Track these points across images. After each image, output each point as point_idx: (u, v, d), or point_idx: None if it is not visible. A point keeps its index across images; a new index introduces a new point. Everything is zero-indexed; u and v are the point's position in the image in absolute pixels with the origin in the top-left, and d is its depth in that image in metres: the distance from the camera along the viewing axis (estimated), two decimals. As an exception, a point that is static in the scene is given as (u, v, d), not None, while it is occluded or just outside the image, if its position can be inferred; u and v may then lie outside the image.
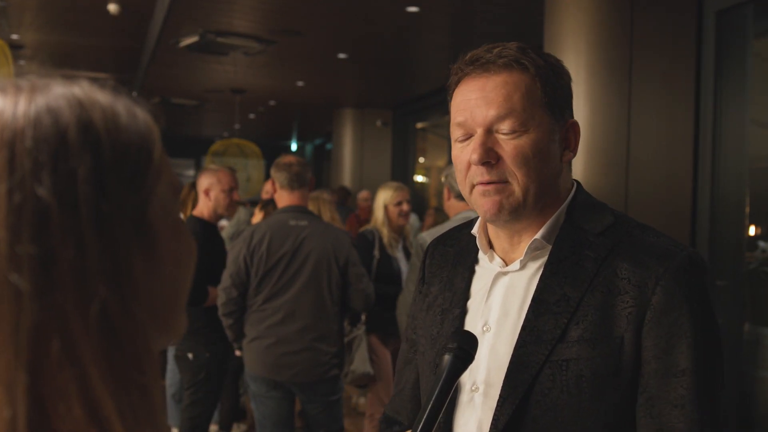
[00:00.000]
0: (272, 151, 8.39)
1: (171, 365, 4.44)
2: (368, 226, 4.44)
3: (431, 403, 1.00)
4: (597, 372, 1.07)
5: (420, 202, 9.72)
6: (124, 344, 0.51)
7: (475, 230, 1.26)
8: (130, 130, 0.54)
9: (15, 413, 0.47)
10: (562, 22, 3.80)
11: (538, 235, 1.16)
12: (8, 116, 0.51)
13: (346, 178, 10.95)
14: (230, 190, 3.69)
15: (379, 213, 4.28)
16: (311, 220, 3.33)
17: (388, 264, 4.24)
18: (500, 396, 1.11)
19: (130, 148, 0.54)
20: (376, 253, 4.21)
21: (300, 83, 9.40)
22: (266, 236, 3.22)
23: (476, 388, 1.17)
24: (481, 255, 1.26)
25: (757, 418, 3.57)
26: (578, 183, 1.25)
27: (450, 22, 6.17)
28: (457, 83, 1.19)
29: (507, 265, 1.21)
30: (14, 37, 7.55)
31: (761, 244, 3.81)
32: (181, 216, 3.21)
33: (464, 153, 1.16)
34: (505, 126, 1.12)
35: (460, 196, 3.36)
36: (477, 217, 1.29)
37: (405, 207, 4.25)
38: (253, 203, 6.55)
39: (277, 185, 3.34)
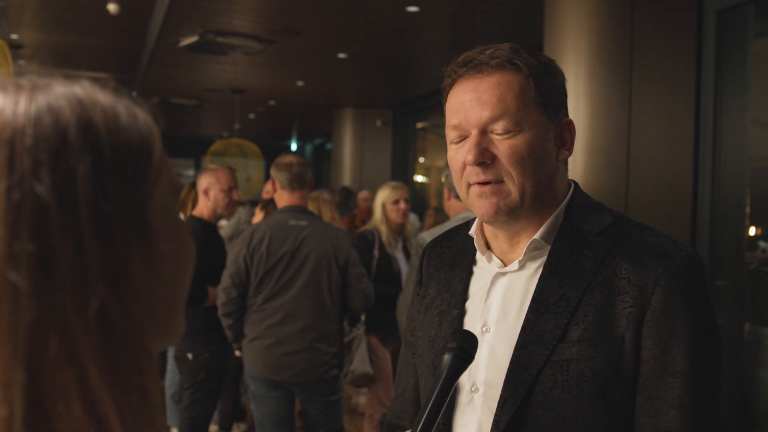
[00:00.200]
0: (272, 151, 8.40)
1: (171, 365, 4.44)
2: (368, 226, 4.44)
3: (431, 403, 1.00)
4: (598, 372, 1.07)
5: (420, 202, 9.72)
6: (123, 344, 0.51)
7: (472, 231, 1.26)
8: (131, 131, 0.55)
9: (12, 412, 0.47)
10: (562, 22, 3.80)
11: (537, 236, 1.16)
12: (9, 114, 0.51)
13: (346, 178, 10.95)
14: (229, 190, 3.68)
15: (377, 212, 4.29)
16: (311, 220, 3.33)
17: (388, 264, 4.24)
18: (501, 396, 1.11)
19: (130, 148, 0.54)
20: (376, 252, 4.22)
21: (300, 83, 9.40)
22: (266, 236, 3.21)
23: (476, 388, 1.17)
24: (479, 256, 1.26)
25: (757, 419, 3.56)
26: (575, 183, 1.25)
27: (450, 21, 6.17)
28: (451, 85, 1.20)
29: (505, 265, 1.21)
30: (14, 36, 7.55)
31: (761, 244, 3.80)
32: (181, 216, 3.21)
33: (459, 154, 1.16)
34: (499, 126, 1.12)
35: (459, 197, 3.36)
36: (474, 218, 1.29)
37: (402, 205, 4.25)
38: (253, 203, 6.55)
39: (278, 185, 3.34)
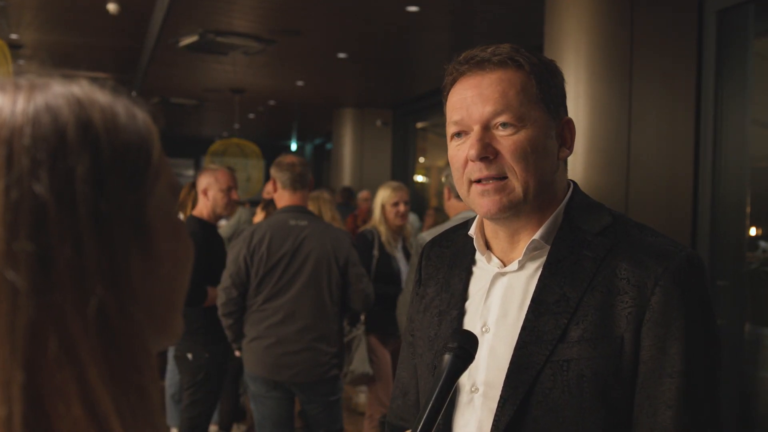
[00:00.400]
0: (272, 151, 8.40)
1: (171, 365, 4.44)
2: (367, 226, 4.44)
3: (431, 403, 1.00)
4: (598, 372, 1.07)
5: (420, 202, 9.72)
6: (122, 344, 0.51)
7: (471, 231, 1.26)
8: (129, 130, 0.54)
9: (11, 412, 0.47)
10: (562, 21, 3.80)
11: (536, 236, 1.16)
12: (7, 114, 0.51)
13: (346, 178, 10.95)
14: (228, 190, 3.68)
15: (376, 212, 4.30)
16: (311, 220, 3.33)
17: (388, 263, 4.24)
18: (501, 397, 1.11)
19: (129, 148, 0.54)
20: (376, 252, 4.22)
21: (300, 83, 9.40)
22: (266, 236, 3.21)
23: (476, 389, 1.17)
24: (478, 256, 1.26)
25: (757, 419, 3.56)
26: (575, 183, 1.25)
27: (450, 21, 6.17)
28: (452, 83, 1.20)
29: (505, 265, 1.21)
30: (14, 36, 7.55)
31: (762, 244, 3.80)
32: (181, 216, 3.19)
33: (461, 150, 1.16)
34: (501, 122, 1.13)
35: (460, 196, 3.36)
36: (473, 218, 1.29)
37: (402, 208, 4.25)
38: (253, 203, 6.54)
39: (279, 185, 3.34)
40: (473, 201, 1.17)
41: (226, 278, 3.24)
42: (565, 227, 1.17)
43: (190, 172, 17.49)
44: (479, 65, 1.15)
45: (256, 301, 3.22)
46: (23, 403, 0.47)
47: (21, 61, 8.40)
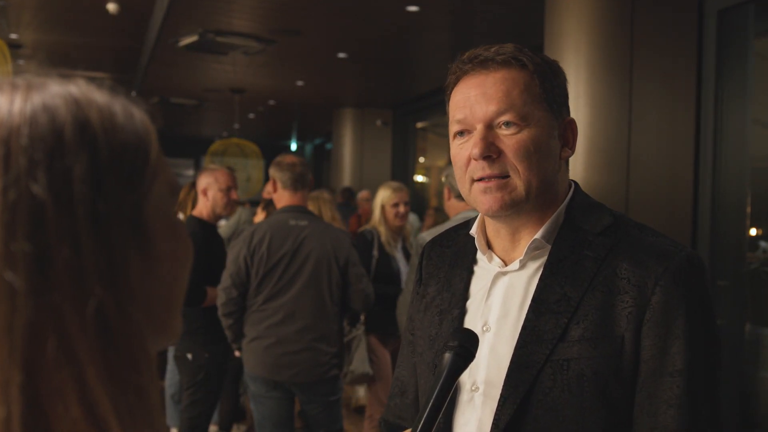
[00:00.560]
0: (272, 150, 8.39)
1: (171, 365, 4.43)
2: (367, 226, 4.44)
3: (431, 402, 1.00)
4: (598, 371, 1.07)
5: (420, 202, 9.72)
6: (120, 344, 0.51)
7: (473, 231, 1.26)
8: (127, 130, 0.54)
9: (10, 412, 0.47)
10: (562, 21, 3.79)
11: (537, 235, 1.17)
12: (4, 114, 0.51)
13: (346, 178, 10.94)
14: (228, 190, 3.68)
15: (376, 212, 4.29)
16: (311, 220, 3.32)
17: (387, 264, 4.24)
18: (501, 395, 1.12)
19: (126, 148, 0.54)
20: (375, 252, 4.21)
21: (300, 83, 9.40)
22: (266, 236, 3.21)
23: (476, 387, 1.17)
24: (479, 255, 1.26)
25: (758, 419, 3.56)
26: (576, 183, 1.25)
27: (450, 21, 6.17)
28: (455, 82, 1.20)
29: (506, 265, 1.21)
30: (13, 36, 7.55)
31: (762, 244, 3.80)
32: (181, 216, 3.19)
33: (464, 149, 1.16)
34: (505, 121, 1.13)
35: (460, 196, 3.35)
36: (474, 218, 1.29)
37: (402, 209, 4.25)
38: (253, 203, 6.54)
39: (279, 185, 3.33)
40: (475, 199, 1.17)
41: (226, 278, 3.23)
42: (567, 227, 1.18)
43: (190, 172, 17.48)
44: (483, 64, 1.16)
45: (256, 301, 3.22)
46: (22, 404, 0.47)
47: (21, 61, 8.40)
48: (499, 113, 1.13)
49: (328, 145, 14.58)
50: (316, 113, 12.01)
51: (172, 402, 4.44)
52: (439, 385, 1.01)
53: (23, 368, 0.47)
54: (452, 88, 1.21)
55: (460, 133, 1.18)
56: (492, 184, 1.13)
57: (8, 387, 0.47)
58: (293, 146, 13.92)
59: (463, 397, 1.18)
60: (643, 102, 3.53)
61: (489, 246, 1.25)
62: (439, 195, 8.39)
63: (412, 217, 7.32)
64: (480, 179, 1.15)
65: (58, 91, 0.53)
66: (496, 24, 6.06)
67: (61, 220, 0.49)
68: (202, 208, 3.67)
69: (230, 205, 3.74)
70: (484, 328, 1.19)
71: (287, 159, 3.36)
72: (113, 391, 0.49)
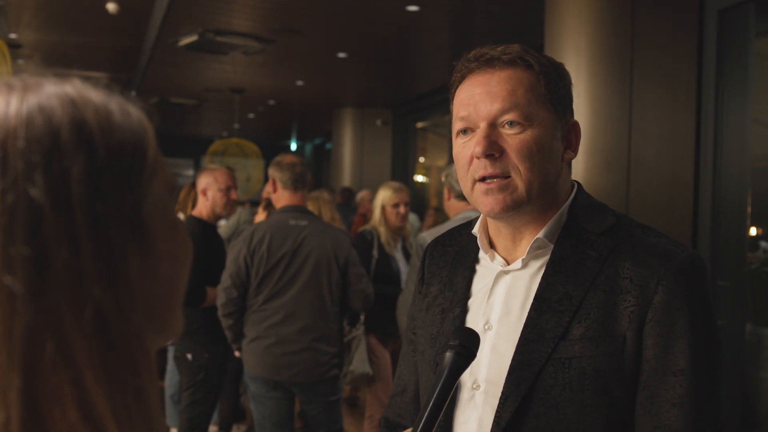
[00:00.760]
0: (272, 150, 8.39)
1: (170, 366, 4.43)
2: (367, 226, 4.44)
3: (432, 401, 1.00)
4: (599, 370, 1.08)
5: (420, 202, 9.71)
6: (119, 346, 0.50)
7: (475, 230, 1.26)
8: (124, 129, 0.54)
9: (8, 416, 0.47)
10: (562, 21, 3.79)
11: (540, 234, 1.17)
12: (0, 115, 0.50)
13: (346, 178, 10.94)
14: (227, 189, 3.67)
15: (376, 212, 4.29)
16: (311, 220, 3.32)
17: (387, 264, 4.24)
18: (502, 393, 1.12)
19: (124, 147, 0.53)
20: (375, 252, 4.21)
21: (300, 83, 9.39)
22: (266, 236, 3.21)
23: (477, 386, 1.17)
24: (481, 254, 1.27)
25: (759, 419, 3.56)
26: (579, 184, 1.26)
27: (450, 21, 6.16)
28: (460, 80, 1.20)
29: (508, 264, 1.21)
30: (13, 36, 7.54)
31: (763, 244, 3.80)
32: (181, 216, 3.18)
33: (467, 147, 1.16)
34: (509, 120, 1.13)
35: (460, 196, 3.35)
36: (476, 217, 1.30)
37: (402, 210, 4.25)
38: (253, 203, 6.53)
39: (279, 185, 3.33)
40: (477, 199, 1.17)
41: (226, 278, 3.23)
42: (569, 227, 1.18)
43: (190, 172, 17.48)
44: (489, 63, 1.16)
45: (256, 301, 3.22)
46: (21, 408, 0.47)
47: (20, 61, 8.40)
48: (503, 112, 1.13)
49: (328, 145, 14.58)
50: (316, 113, 12.01)
51: (172, 402, 4.44)
52: (440, 384, 1.01)
53: (22, 372, 0.47)
54: (457, 86, 1.21)
55: (464, 131, 1.18)
56: (493, 185, 1.13)
57: (7, 391, 0.47)
58: (293, 146, 13.92)
59: (464, 396, 1.19)
60: (644, 102, 3.52)
61: (491, 245, 1.25)
62: (439, 195, 8.38)
63: (412, 217, 7.31)
64: (482, 179, 1.14)
65: (54, 92, 0.52)
66: (496, 23, 6.06)
67: (60, 222, 0.48)
68: (202, 208, 3.67)
69: (230, 205, 3.73)
70: (486, 327, 1.19)
71: (287, 159, 3.36)
72: (111, 393, 0.49)
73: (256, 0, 5.74)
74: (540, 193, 1.14)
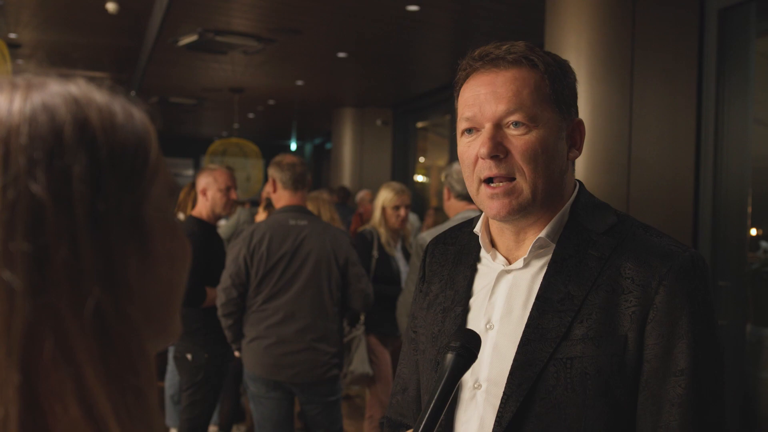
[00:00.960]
0: (271, 150, 8.38)
1: (170, 366, 4.43)
2: (367, 226, 4.44)
3: (433, 402, 1.00)
4: (601, 370, 1.08)
5: (420, 202, 9.71)
6: (118, 345, 0.50)
7: (477, 229, 1.27)
8: (127, 129, 0.54)
9: (7, 413, 0.47)
10: (563, 20, 3.79)
11: (542, 234, 1.17)
12: (4, 113, 0.51)
13: (346, 178, 10.93)
14: (227, 189, 3.67)
15: (377, 213, 4.28)
16: (311, 220, 3.32)
17: (387, 264, 4.23)
18: (504, 393, 1.12)
19: (126, 147, 0.54)
20: (375, 252, 4.21)
21: (299, 82, 9.39)
22: (266, 236, 3.21)
23: (479, 385, 1.17)
24: (483, 253, 1.27)
25: (759, 420, 3.56)
26: (581, 183, 1.26)
27: (450, 20, 6.16)
28: (465, 78, 1.20)
29: (510, 263, 1.21)
30: (12, 35, 7.54)
31: (763, 244, 3.80)
32: (181, 216, 3.18)
33: (472, 148, 1.16)
34: (514, 121, 1.13)
35: (460, 197, 3.35)
36: (477, 216, 1.30)
37: (402, 212, 4.25)
38: (253, 203, 6.53)
39: (279, 185, 3.33)
40: (482, 202, 1.17)
41: (225, 278, 3.23)
42: (571, 226, 1.18)
43: (190, 172, 17.47)
44: (493, 62, 1.16)
45: (256, 302, 3.22)
46: (20, 405, 0.47)
47: (20, 61, 8.40)
48: (509, 113, 1.13)
49: (328, 145, 14.58)
50: (316, 113, 12.00)
51: (172, 402, 4.43)
52: (441, 385, 1.01)
53: (21, 369, 0.47)
54: (461, 85, 1.21)
55: (468, 130, 1.18)
56: (499, 190, 1.14)
57: (6, 388, 0.47)
58: (293, 146, 13.92)
59: (465, 395, 1.19)
60: (644, 101, 3.52)
61: (492, 244, 1.25)
62: (439, 195, 8.38)
63: (412, 217, 7.31)
64: (488, 181, 1.15)
65: (58, 91, 0.53)
66: (496, 22, 6.06)
67: (60, 220, 0.48)
68: (202, 208, 3.67)
69: (229, 205, 3.73)
70: (488, 326, 1.19)
71: (287, 159, 3.36)
72: (112, 391, 0.49)
73: (255, -1, 5.74)
74: (545, 193, 1.15)
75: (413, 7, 5.67)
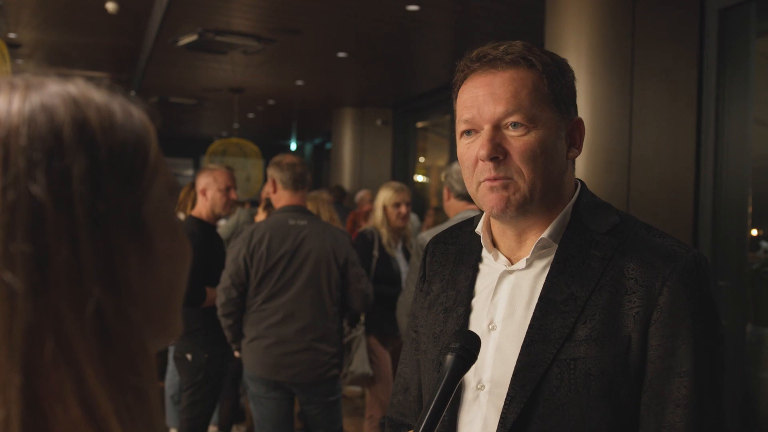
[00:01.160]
0: (271, 150, 8.38)
1: (171, 366, 4.43)
2: (367, 226, 4.43)
3: (433, 403, 1.00)
4: (605, 370, 1.08)
5: (420, 202, 9.71)
6: (119, 345, 0.51)
7: (478, 229, 1.26)
8: (126, 129, 0.54)
9: (9, 414, 0.47)
10: (563, 19, 3.79)
11: (544, 234, 1.17)
12: (3, 114, 0.51)
13: (346, 178, 10.93)
14: (227, 189, 3.67)
15: (378, 213, 4.28)
16: (310, 220, 3.32)
17: (387, 264, 4.23)
18: (508, 394, 1.12)
19: (125, 147, 0.53)
20: (375, 252, 4.21)
21: (299, 82, 9.39)
22: (266, 236, 3.21)
23: (482, 386, 1.17)
24: (485, 253, 1.26)
25: (759, 420, 3.56)
26: (582, 183, 1.26)
27: (450, 20, 6.16)
28: (463, 80, 1.20)
29: (512, 264, 1.21)
30: (12, 35, 7.54)
31: (764, 244, 3.80)
32: (181, 216, 3.18)
33: (471, 149, 1.16)
34: (512, 122, 1.13)
35: (459, 196, 3.35)
36: (477, 216, 1.29)
37: (403, 210, 4.25)
38: (253, 203, 6.53)
39: (279, 185, 3.33)
40: (482, 198, 1.17)
41: (225, 278, 3.23)
42: (573, 226, 1.18)
43: (189, 172, 17.46)
44: (491, 63, 1.15)
45: (256, 301, 3.22)
46: (21, 405, 0.47)
47: (19, 61, 8.40)
48: (507, 114, 1.13)
49: (328, 145, 14.57)
50: (316, 113, 12.00)
51: (172, 403, 4.43)
52: (441, 387, 1.01)
53: (22, 369, 0.47)
54: (459, 86, 1.21)
55: (467, 132, 1.17)
56: (498, 183, 1.13)
57: (7, 389, 0.47)
58: (293, 146, 13.93)
59: (468, 396, 1.19)
60: (644, 101, 3.52)
61: (494, 244, 1.25)
62: (439, 195, 8.38)
63: (412, 217, 7.30)
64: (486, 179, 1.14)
65: (57, 91, 0.53)
66: (496, 22, 6.05)
67: (60, 221, 0.48)
68: (202, 208, 3.67)
69: (229, 205, 3.73)
70: (490, 327, 1.19)
71: (287, 159, 3.36)
72: (112, 391, 0.49)
73: (255, -1, 5.74)
74: (543, 193, 1.14)
75: (413, 7, 5.66)
